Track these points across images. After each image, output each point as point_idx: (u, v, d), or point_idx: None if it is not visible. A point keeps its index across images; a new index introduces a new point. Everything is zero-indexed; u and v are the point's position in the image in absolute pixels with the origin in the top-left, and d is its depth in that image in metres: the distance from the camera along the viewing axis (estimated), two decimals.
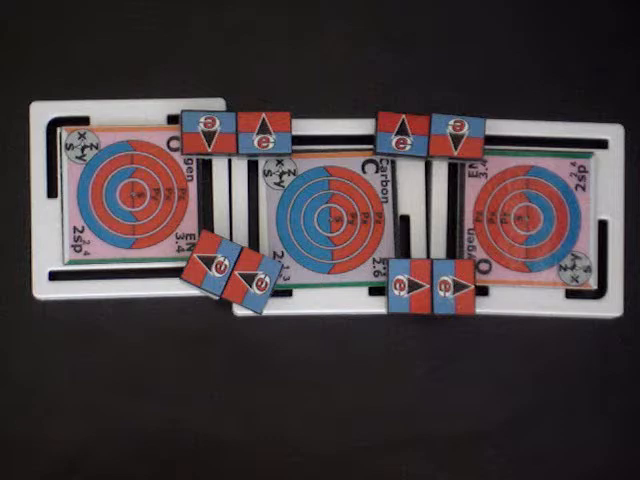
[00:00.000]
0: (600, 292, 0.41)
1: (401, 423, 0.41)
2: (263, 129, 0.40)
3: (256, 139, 0.40)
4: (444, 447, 0.41)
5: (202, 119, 0.40)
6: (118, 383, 0.41)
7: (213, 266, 0.39)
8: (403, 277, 0.40)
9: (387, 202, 0.41)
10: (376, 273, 0.41)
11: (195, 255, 0.39)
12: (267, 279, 0.39)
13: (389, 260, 0.40)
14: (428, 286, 0.40)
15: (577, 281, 0.41)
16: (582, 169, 0.41)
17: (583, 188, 0.41)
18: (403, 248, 0.41)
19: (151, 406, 0.41)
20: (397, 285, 0.40)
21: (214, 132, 0.40)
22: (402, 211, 0.41)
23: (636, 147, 0.41)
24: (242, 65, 0.41)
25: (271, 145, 0.40)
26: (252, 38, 0.42)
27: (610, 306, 0.41)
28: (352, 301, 0.41)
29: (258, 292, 0.39)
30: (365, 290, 0.41)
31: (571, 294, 0.41)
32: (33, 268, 0.40)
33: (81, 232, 0.40)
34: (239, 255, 0.39)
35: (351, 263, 0.41)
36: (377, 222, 0.41)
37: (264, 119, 0.40)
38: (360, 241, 0.41)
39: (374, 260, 0.41)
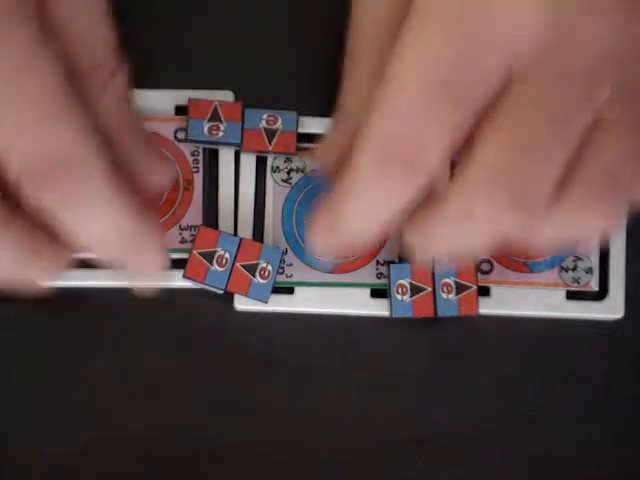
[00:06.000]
0: (601, 293, 0.41)
1: (401, 423, 0.41)
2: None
3: None
4: (444, 448, 0.41)
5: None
6: (118, 383, 0.40)
7: (214, 260, 0.39)
8: (405, 281, 0.40)
9: None
10: (379, 275, 0.41)
11: (195, 252, 0.39)
12: (269, 267, 0.39)
13: (390, 265, 0.40)
14: (430, 289, 0.40)
15: (578, 282, 0.41)
16: None
17: None
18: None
19: (151, 406, 0.40)
20: (399, 290, 0.40)
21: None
22: None
23: None
24: (252, 59, 0.41)
25: None
26: (262, 32, 0.42)
27: (611, 307, 0.41)
28: (354, 302, 0.41)
29: (262, 281, 0.39)
30: (367, 292, 0.41)
31: (572, 295, 0.41)
32: None
33: None
34: (239, 246, 0.39)
35: (354, 264, 0.41)
36: None
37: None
38: None
39: (377, 262, 0.41)
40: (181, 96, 0.41)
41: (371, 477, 0.41)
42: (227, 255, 0.39)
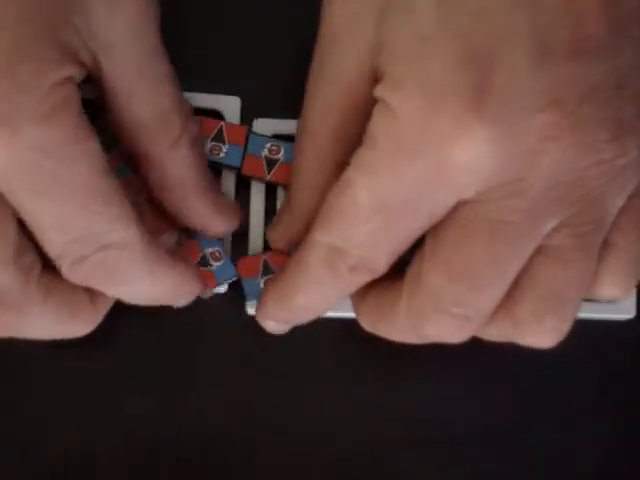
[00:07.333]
0: None
1: (401, 423, 0.41)
2: None
3: None
4: (444, 448, 0.41)
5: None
6: (118, 383, 0.40)
7: (209, 260, 0.38)
8: None
9: None
10: None
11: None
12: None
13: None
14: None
15: None
16: None
17: None
18: None
19: (152, 406, 0.40)
20: None
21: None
22: None
23: None
24: (259, 65, 0.41)
25: None
26: (273, 39, 0.41)
27: (623, 307, 0.40)
28: (350, 303, 0.39)
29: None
30: None
31: None
32: None
33: None
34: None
35: None
36: None
37: None
38: None
39: None
40: (189, 99, 0.39)
41: (371, 477, 0.41)
42: (213, 249, 0.39)
